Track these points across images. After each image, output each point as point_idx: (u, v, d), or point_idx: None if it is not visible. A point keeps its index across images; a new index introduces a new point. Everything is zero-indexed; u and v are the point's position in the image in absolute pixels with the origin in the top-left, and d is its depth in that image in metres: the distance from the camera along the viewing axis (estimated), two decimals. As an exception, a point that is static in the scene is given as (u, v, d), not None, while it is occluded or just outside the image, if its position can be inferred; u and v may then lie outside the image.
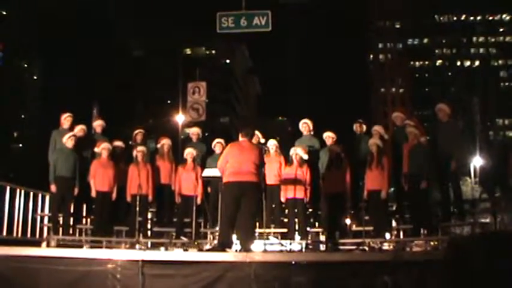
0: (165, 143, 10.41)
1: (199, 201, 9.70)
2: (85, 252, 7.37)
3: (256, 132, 10.75)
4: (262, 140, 10.70)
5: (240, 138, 7.86)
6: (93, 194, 9.72)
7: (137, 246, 8.74)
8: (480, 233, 8.13)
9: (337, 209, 9.46)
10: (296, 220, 9.60)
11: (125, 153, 10.39)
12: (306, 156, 9.83)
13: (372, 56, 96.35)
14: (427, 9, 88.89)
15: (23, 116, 59.30)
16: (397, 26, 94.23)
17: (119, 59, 57.41)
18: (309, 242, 9.40)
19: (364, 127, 10.46)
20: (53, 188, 9.61)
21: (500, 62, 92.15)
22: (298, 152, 9.76)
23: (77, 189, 9.74)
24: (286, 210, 9.89)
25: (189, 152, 10.10)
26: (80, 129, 10.40)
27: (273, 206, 9.84)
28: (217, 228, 8.48)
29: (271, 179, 9.76)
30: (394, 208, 10.15)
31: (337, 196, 9.45)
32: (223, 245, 7.28)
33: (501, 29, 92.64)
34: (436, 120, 9.56)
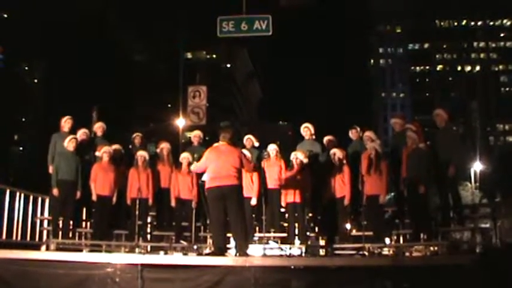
0: (164, 147, 10.39)
1: (193, 204, 9.70)
2: (84, 256, 7.38)
3: (250, 136, 10.77)
4: (257, 144, 10.70)
5: (220, 142, 7.86)
6: (94, 197, 9.70)
7: (137, 250, 8.73)
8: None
9: (338, 213, 9.46)
10: (296, 224, 9.59)
11: (124, 157, 10.39)
12: (306, 160, 9.82)
13: (372, 61, 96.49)
14: (428, 14, 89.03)
15: (23, 119, 59.31)
16: (398, 31, 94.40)
17: (119, 63, 57.42)
18: (309, 246, 9.38)
19: (360, 133, 10.45)
20: (55, 192, 9.58)
21: (500, 67, 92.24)
22: (298, 155, 9.76)
23: (79, 192, 9.73)
24: (286, 215, 9.87)
25: (184, 157, 10.07)
26: (82, 133, 10.39)
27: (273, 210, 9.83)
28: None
29: (271, 183, 9.75)
30: (391, 212, 10.14)
31: (338, 201, 9.46)
32: (221, 249, 7.30)
33: (502, 34, 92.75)
34: (435, 126, 9.56)
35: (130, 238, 9.43)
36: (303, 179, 9.60)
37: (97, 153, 10.13)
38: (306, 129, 10.67)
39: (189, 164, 9.92)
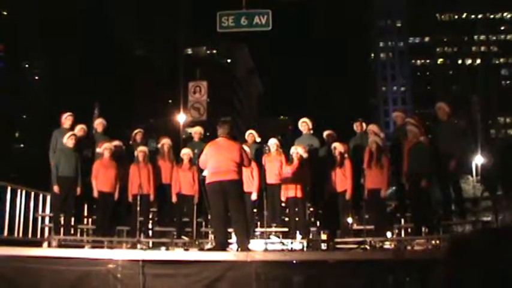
0: (165, 142, 10.39)
1: (195, 200, 9.71)
2: (86, 252, 7.38)
3: (252, 131, 10.76)
4: (258, 139, 10.69)
5: (219, 137, 7.83)
6: (95, 194, 9.70)
7: (138, 246, 8.74)
8: (481, 229, 8.13)
9: (339, 207, 9.45)
10: (297, 219, 9.59)
11: (124, 153, 10.38)
12: (306, 155, 9.82)
13: (373, 55, 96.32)
14: (428, 8, 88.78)
15: (24, 116, 59.33)
16: (398, 25, 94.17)
17: (120, 59, 57.34)
18: (310, 240, 9.39)
19: (364, 126, 10.44)
20: (56, 188, 9.59)
21: (501, 60, 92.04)
22: (298, 150, 9.76)
23: (79, 188, 9.73)
24: (287, 209, 9.87)
25: (186, 153, 10.07)
26: (80, 129, 10.38)
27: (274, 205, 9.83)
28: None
29: (272, 178, 9.73)
30: (392, 206, 10.14)
31: (340, 195, 9.45)
32: (222, 244, 7.29)
33: (502, 27, 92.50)
34: (436, 119, 9.55)
35: (132, 234, 9.44)
36: (303, 174, 9.59)
37: (98, 150, 10.12)
38: (304, 124, 10.67)
39: (190, 159, 9.94)
